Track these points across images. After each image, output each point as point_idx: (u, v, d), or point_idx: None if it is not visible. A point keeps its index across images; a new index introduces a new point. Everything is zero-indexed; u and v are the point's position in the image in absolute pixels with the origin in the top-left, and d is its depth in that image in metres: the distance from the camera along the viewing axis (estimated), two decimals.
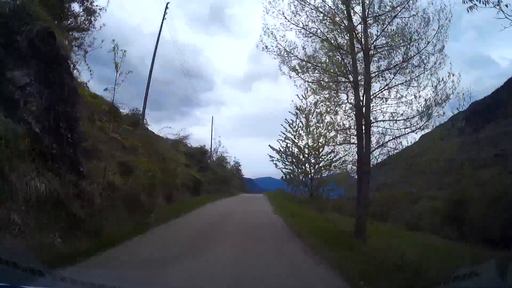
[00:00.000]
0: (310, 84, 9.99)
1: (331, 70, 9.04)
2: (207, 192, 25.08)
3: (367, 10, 9.00)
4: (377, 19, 8.93)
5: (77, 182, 8.09)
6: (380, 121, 8.99)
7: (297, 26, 9.47)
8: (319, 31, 9.41)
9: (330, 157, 22.24)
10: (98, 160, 9.98)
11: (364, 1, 9.00)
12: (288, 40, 9.53)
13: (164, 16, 21.50)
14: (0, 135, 6.18)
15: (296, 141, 23.86)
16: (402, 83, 9.15)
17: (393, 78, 8.80)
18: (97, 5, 14.96)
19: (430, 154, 9.13)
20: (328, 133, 9.76)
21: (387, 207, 18.99)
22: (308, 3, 9.22)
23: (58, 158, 7.90)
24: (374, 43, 8.82)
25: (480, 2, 5.28)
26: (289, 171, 25.00)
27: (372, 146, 9.03)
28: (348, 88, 9.44)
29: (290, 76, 9.99)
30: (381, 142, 9.09)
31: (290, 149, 24.51)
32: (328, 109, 9.57)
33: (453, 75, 8.73)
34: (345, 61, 9.06)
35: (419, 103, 9.01)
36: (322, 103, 10.16)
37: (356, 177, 9.63)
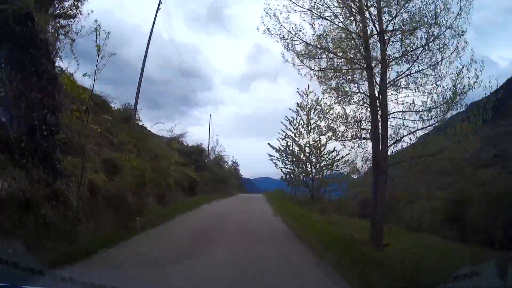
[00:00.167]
0: (317, 72, 9.00)
1: (340, 54, 8.01)
2: (204, 192, 24.01)
3: None
4: None
5: (50, 180, 7.04)
6: (398, 112, 7.98)
7: (302, 8, 8.50)
8: (327, 12, 8.42)
9: (332, 156, 21.32)
10: (80, 157, 8.94)
11: None
12: (293, 22, 8.53)
13: (158, 7, 20.51)
14: None
15: (296, 139, 22.87)
16: (420, 71, 8.18)
17: (412, 64, 7.79)
18: None
19: (452, 151, 8.13)
20: (337, 127, 8.75)
21: (388, 207, 18.25)
22: None
23: (28, 152, 6.85)
24: (393, 22, 7.79)
25: None
26: (289, 170, 23.99)
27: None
28: (359, 77, 8.44)
29: (294, 64, 9.08)
30: (396, 138, 8.09)
31: (291, 148, 23.50)
32: (339, 99, 8.53)
33: (475, 62, 7.87)
34: (358, 44, 8.03)
35: (439, 93, 8.09)
36: (329, 94, 9.13)
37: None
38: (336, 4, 8.44)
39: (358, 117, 8.51)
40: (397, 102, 8.17)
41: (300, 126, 22.47)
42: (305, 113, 21.97)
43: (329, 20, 8.40)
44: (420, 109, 7.98)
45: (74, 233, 6.34)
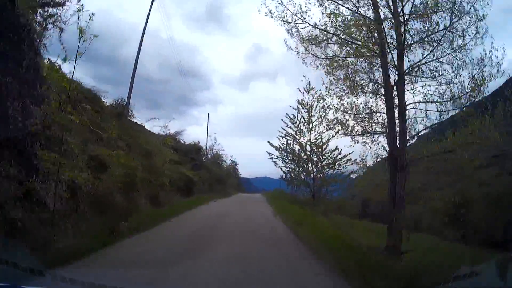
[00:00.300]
0: (323, 61, 8.20)
1: (351, 37, 7.19)
2: (201, 192, 23.13)
3: None
4: None
5: (23, 178, 6.21)
6: (417, 102, 7.17)
7: None
8: None
9: (333, 154, 20.52)
10: (63, 153, 8.08)
11: None
12: (298, 3, 7.73)
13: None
14: None
15: (297, 137, 22.04)
16: (439, 59, 7.41)
17: (435, 48, 7.00)
18: None
19: (471, 147, 7.37)
20: (346, 121, 7.95)
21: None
22: None
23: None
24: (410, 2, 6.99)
25: None
26: (290, 170, 23.15)
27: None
28: (371, 65, 7.63)
29: (298, 52, 8.34)
30: (413, 132, 7.30)
31: (291, 146, 22.67)
32: (349, 90, 7.71)
33: (496, 49, 7.16)
34: (371, 27, 7.22)
35: (458, 83, 7.34)
36: (337, 85, 8.31)
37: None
38: None
39: (370, 109, 7.71)
40: (414, 93, 7.40)
41: (301, 124, 21.68)
42: (306, 110, 21.20)
43: (336, 2, 7.59)
44: (439, 100, 7.20)
45: (48, 239, 5.49)
